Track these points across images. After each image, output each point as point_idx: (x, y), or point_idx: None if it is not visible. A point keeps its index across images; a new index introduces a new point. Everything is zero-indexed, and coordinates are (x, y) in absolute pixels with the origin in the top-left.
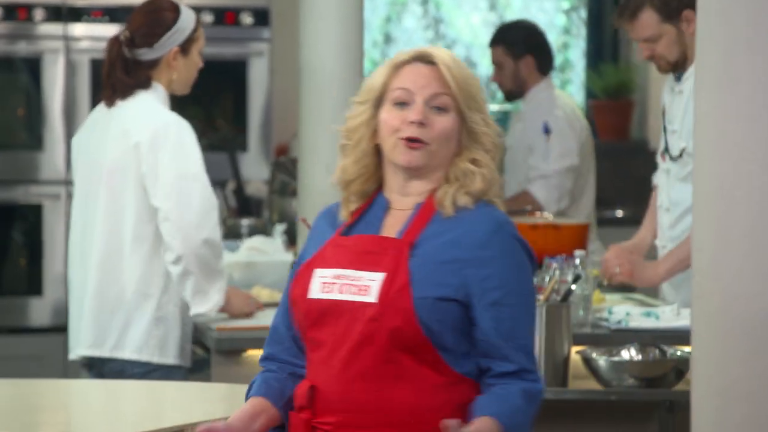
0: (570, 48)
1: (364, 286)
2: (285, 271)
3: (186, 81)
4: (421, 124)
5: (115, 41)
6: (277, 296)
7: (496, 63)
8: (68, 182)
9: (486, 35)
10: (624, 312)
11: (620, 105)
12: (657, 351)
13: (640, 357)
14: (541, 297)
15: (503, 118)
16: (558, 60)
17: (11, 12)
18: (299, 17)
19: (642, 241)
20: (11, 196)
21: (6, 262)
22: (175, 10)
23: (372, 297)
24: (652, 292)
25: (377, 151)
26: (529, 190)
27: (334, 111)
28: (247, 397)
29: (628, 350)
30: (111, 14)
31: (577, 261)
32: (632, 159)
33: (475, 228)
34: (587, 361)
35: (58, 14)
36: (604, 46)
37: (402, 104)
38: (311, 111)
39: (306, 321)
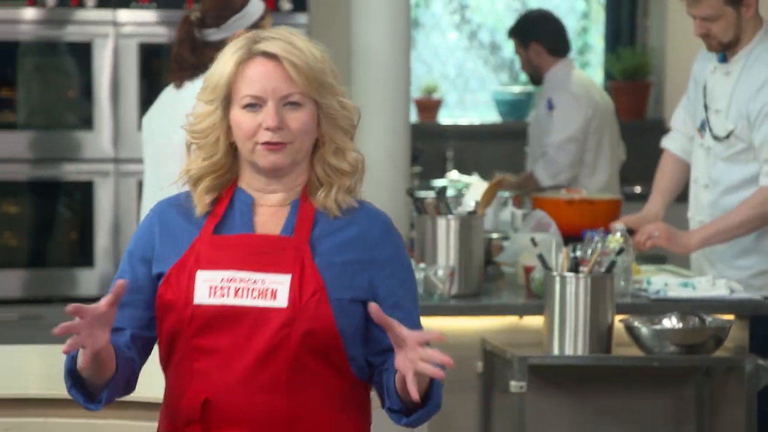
0: (589, 32)
1: (268, 289)
2: None
3: None
4: (278, 128)
5: (185, 21)
6: None
7: (516, 53)
8: (117, 160)
9: (509, 20)
10: (662, 282)
11: (638, 86)
12: (697, 319)
13: (680, 325)
14: (585, 269)
15: (526, 99)
16: (578, 44)
17: None
18: (350, 4)
19: (649, 213)
20: (63, 173)
21: (59, 234)
22: None
23: (282, 302)
24: (684, 265)
25: (232, 147)
26: (533, 171)
27: (384, 90)
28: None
29: (669, 318)
30: (158, 1)
31: (618, 234)
32: (649, 137)
33: (368, 228)
34: (630, 329)
35: (108, 1)
36: (621, 31)
37: (253, 105)
38: (361, 91)
39: (190, 328)
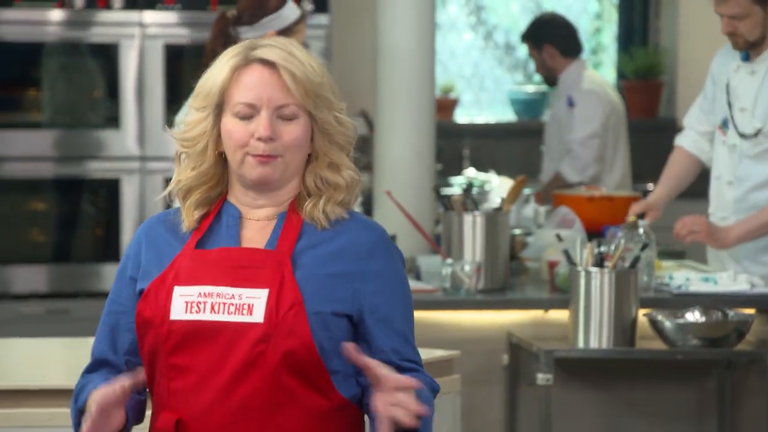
0: (602, 32)
1: (245, 304)
2: None
3: None
4: (270, 138)
5: (222, 18)
6: None
7: (530, 56)
8: (142, 158)
9: (524, 21)
10: (684, 277)
11: (650, 85)
12: (719, 313)
13: (703, 319)
14: (609, 264)
15: (541, 98)
16: (591, 44)
17: (92, 0)
18: (376, 4)
19: (657, 197)
20: (90, 170)
21: (85, 231)
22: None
23: (258, 317)
24: (701, 259)
25: (222, 158)
26: (559, 169)
27: (409, 89)
28: (79, 400)
29: (692, 313)
30: (183, 2)
31: (641, 230)
32: (661, 136)
33: (357, 240)
34: (653, 323)
35: (135, 2)
36: (634, 31)
37: (246, 114)
38: (387, 89)
39: (167, 346)
